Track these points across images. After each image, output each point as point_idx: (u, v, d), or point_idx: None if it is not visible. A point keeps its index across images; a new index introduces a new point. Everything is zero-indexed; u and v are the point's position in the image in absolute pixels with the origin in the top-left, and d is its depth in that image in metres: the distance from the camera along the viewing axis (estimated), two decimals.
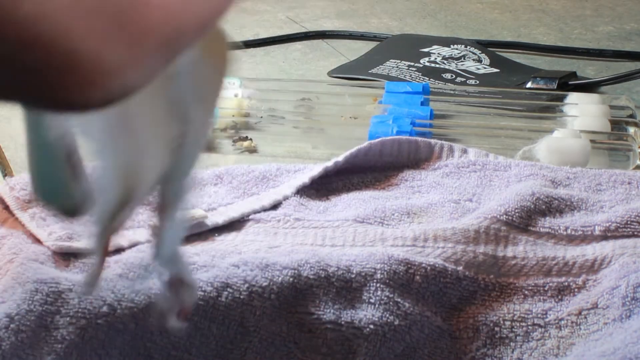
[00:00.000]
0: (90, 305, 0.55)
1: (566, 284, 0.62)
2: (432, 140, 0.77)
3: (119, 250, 0.63)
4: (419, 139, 0.77)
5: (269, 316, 0.57)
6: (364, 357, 0.56)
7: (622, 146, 0.83)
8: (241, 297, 0.57)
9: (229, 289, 0.57)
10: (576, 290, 0.62)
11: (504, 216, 0.66)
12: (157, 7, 0.32)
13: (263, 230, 0.67)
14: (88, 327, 0.54)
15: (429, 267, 0.60)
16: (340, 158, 0.74)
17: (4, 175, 0.75)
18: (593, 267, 0.63)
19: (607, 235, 0.65)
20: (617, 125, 0.87)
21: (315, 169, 0.73)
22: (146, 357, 0.54)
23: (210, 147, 0.86)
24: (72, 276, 0.58)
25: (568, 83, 0.98)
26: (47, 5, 0.30)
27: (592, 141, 0.82)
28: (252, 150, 0.86)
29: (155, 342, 0.55)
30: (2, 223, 0.67)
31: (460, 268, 0.61)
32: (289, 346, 0.56)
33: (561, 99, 0.92)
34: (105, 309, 0.55)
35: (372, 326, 0.57)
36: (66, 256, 0.63)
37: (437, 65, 1.04)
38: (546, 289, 0.61)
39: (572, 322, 0.59)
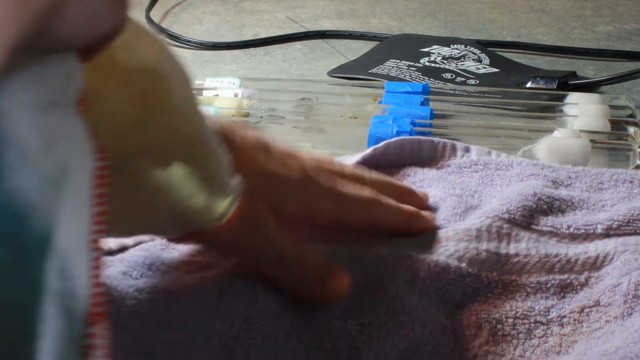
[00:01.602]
0: None
1: (568, 281, 0.62)
2: (435, 139, 0.77)
3: (123, 248, 0.63)
4: (422, 137, 0.77)
5: (272, 313, 0.57)
6: (367, 353, 0.56)
7: (622, 146, 0.83)
8: (245, 294, 0.57)
9: (233, 287, 0.57)
10: (578, 287, 0.62)
11: (506, 214, 0.66)
12: None
13: None
14: None
15: (432, 263, 0.61)
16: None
17: None
18: (595, 264, 0.63)
19: (610, 233, 0.65)
20: (617, 125, 0.87)
21: None
22: (150, 354, 0.54)
23: None
24: None
25: (568, 83, 0.98)
26: None
27: (592, 141, 0.82)
28: None
29: (159, 340, 0.55)
30: None
31: (463, 265, 0.61)
32: (292, 342, 0.56)
33: (561, 98, 0.92)
34: (109, 307, 0.55)
35: (376, 322, 0.57)
36: None
37: (437, 65, 1.04)
38: (548, 286, 0.62)
39: (574, 320, 0.59)
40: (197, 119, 0.52)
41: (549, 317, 0.60)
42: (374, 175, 0.67)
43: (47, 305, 0.37)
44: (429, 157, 0.76)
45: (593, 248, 0.64)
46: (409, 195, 0.67)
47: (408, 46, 1.10)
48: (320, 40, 1.14)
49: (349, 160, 0.74)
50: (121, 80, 0.48)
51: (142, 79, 0.49)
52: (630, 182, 0.72)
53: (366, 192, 0.63)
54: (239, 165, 0.57)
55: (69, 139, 0.39)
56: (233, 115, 0.90)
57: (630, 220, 0.65)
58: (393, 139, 0.76)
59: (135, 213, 0.52)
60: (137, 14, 1.21)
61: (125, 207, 0.51)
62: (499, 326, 0.59)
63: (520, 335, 0.59)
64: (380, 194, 0.64)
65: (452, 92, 0.95)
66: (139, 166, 0.50)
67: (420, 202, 0.68)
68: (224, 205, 0.53)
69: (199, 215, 0.52)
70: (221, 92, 0.92)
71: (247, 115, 0.90)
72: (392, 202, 0.64)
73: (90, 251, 0.39)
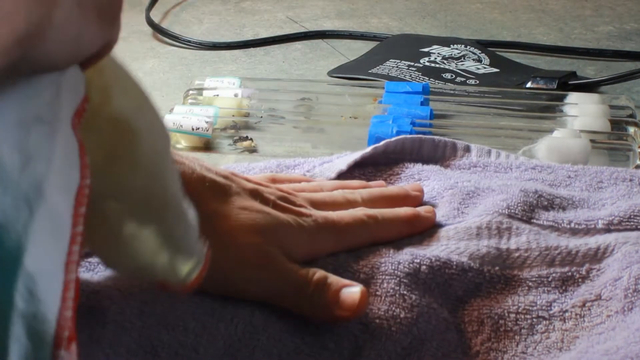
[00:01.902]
0: (98, 304, 0.55)
1: (570, 274, 0.62)
2: (436, 138, 0.77)
3: None
4: (423, 136, 0.77)
5: (276, 313, 0.57)
6: (369, 351, 0.56)
7: (622, 146, 0.83)
8: None
9: None
10: (580, 280, 0.62)
11: (507, 210, 0.66)
12: None
13: None
14: (96, 326, 0.54)
15: (433, 258, 0.61)
16: (344, 166, 0.73)
17: None
18: (596, 255, 0.63)
19: (610, 228, 0.65)
20: (617, 125, 0.87)
21: (317, 179, 0.73)
22: (153, 355, 0.54)
23: (210, 147, 0.86)
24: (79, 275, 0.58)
25: (568, 83, 0.98)
26: None
27: (592, 141, 0.82)
28: (252, 150, 0.86)
29: (162, 341, 0.54)
30: None
31: (465, 259, 0.61)
32: (296, 342, 0.56)
33: (561, 98, 0.92)
34: (113, 307, 0.55)
35: (377, 320, 0.57)
36: None
37: (437, 65, 1.04)
38: (550, 279, 0.62)
39: (576, 314, 0.59)
40: (167, 180, 0.50)
41: (551, 311, 0.60)
42: (364, 192, 0.67)
43: (16, 325, 0.36)
44: (429, 156, 0.76)
45: (594, 240, 0.64)
46: (403, 199, 0.68)
47: (408, 46, 1.10)
48: (320, 40, 1.14)
49: (349, 158, 0.74)
50: (91, 122, 0.45)
51: (111, 128, 0.47)
52: (630, 180, 0.72)
53: (360, 213, 0.63)
54: (239, 208, 0.57)
55: (51, 156, 0.38)
56: (233, 115, 0.90)
57: (632, 216, 0.66)
58: (394, 138, 0.76)
59: (107, 253, 0.51)
60: (137, 14, 1.21)
61: (99, 245, 0.51)
62: (501, 322, 0.59)
63: (522, 330, 0.59)
64: (375, 208, 0.65)
65: (452, 92, 0.95)
66: (112, 208, 0.48)
67: (416, 200, 0.68)
68: (186, 268, 0.51)
69: (163, 273, 0.51)
70: (221, 92, 0.92)
71: (247, 115, 0.90)
72: (388, 213, 0.65)
73: (65, 274, 0.38)
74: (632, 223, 0.65)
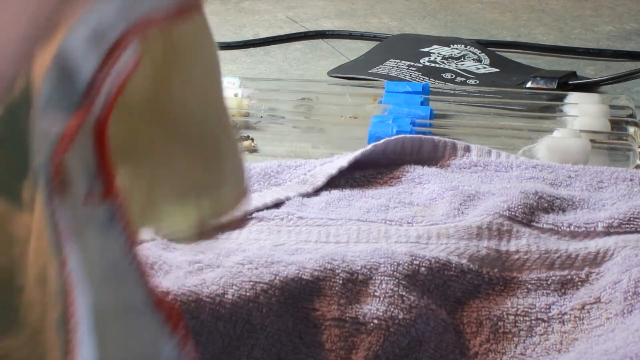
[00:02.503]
0: None
1: (569, 277, 0.62)
2: (436, 138, 0.77)
3: None
4: (422, 136, 0.77)
5: (275, 312, 0.57)
6: (366, 351, 0.56)
7: (622, 146, 0.83)
8: (247, 294, 0.57)
9: (234, 287, 0.58)
10: (579, 283, 0.62)
11: (507, 212, 0.66)
12: None
13: (267, 228, 0.68)
14: None
15: (432, 260, 0.61)
16: (345, 163, 0.74)
17: None
18: (596, 259, 0.63)
19: (610, 231, 0.65)
20: (617, 125, 0.87)
21: (319, 177, 0.73)
22: None
23: None
24: None
25: (568, 83, 0.98)
26: None
27: (592, 141, 0.82)
28: (252, 150, 0.86)
29: None
30: None
31: (464, 261, 0.62)
32: (294, 341, 0.56)
33: (561, 98, 0.92)
34: None
35: (375, 321, 0.57)
36: None
37: (437, 65, 1.04)
38: (549, 282, 0.62)
39: (575, 317, 0.60)
40: (221, 101, 0.49)
41: (550, 314, 0.60)
42: None
43: None
44: (429, 156, 0.76)
45: (593, 244, 0.64)
46: None
47: (408, 46, 1.10)
48: (320, 40, 1.14)
49: (349, 156, 0.74)
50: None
51: (165, 49, 0.46)
52: (631, 180, 0.72)
53: None
54: None
55: None
56: (233, 115, 0.90)
57: (631, 219, 0.66)
58: (393, 137, 0.76)
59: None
60: None
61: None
62: (500, 323, 0.59)
63: (521, 332, 0.59)
64: None
65: (452, 92, 0.95)
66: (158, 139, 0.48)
67: None
68: (230, 195, 0.51)
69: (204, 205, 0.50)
70: None
71: (247, 115, 0.90)
72: None
73: None
74: (631, 226, 0.65)
